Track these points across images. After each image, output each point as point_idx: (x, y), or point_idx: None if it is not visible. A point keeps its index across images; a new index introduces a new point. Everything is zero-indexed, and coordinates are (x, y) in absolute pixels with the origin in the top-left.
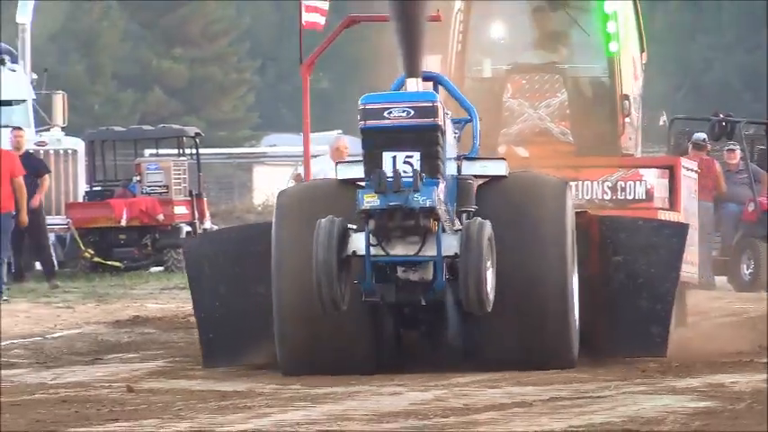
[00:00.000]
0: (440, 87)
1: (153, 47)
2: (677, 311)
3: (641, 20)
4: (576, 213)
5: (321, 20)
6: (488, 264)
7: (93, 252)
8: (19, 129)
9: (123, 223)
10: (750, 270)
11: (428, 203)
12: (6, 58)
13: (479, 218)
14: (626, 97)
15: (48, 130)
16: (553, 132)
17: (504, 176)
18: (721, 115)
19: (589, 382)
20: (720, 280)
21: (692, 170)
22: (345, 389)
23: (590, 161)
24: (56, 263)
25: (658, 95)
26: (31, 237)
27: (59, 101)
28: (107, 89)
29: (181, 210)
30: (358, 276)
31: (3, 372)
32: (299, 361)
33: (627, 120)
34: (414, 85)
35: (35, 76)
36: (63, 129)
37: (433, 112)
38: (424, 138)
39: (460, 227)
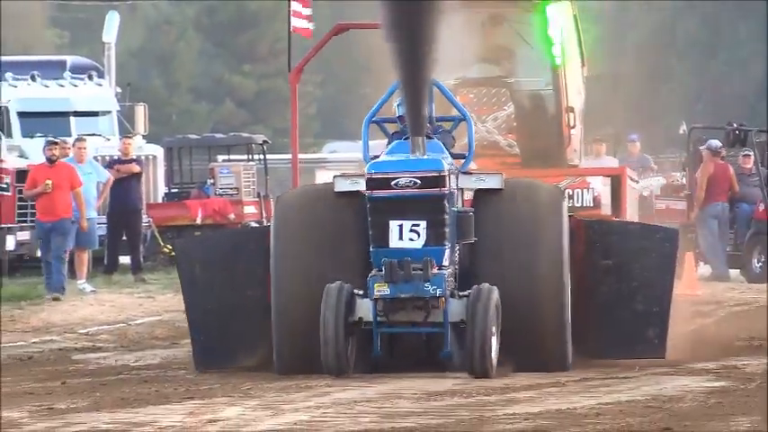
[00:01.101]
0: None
1: (225, 63)
2: None
3: (581, 35)
4: None
5: (309, 25)
6: (494, 330)
7: (171, 247)
8: (128, 137)
9: (198, 222)
10: (761, 263)
11: (438, 293)
12: (93, 73)
13: (487, 284)
14: (571, 110)
15: (131, 138)
16: (501, 144)
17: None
18: (735, 125)
19: (616, 365)
20: (734, 272)
21: (633, 179)
22: (396, 372)
23: (539, 171)
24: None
25: (679, 107)
26: (127, 236)
27: (141, 112)
28: (183, 101)
29: (250, 209)
30: (366, 344)
31: (90, 355)
32: (295, 363)
33: (572, 132)
34: (418, 144)
35: (119, 90)
36: (144, 137)
37: (439, 181)
38: (430, 207)
39: (466, 294)
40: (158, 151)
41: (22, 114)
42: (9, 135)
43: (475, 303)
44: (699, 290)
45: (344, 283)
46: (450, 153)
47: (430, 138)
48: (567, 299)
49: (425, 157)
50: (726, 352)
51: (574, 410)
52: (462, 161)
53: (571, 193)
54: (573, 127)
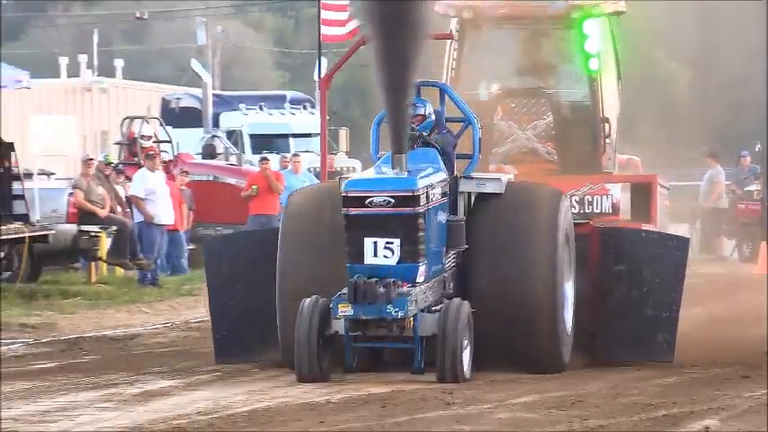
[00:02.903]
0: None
1: None
2: None
3: (618, 50)
4: (578, 224)
5: (342, 30)
6: (465, 343)
7: None
8: (332, 153)
9: None
10: None
11: (400, 315)
12: (307, 104)
13: (458, 298)
14: (607, 120)
15: (335, 154)
16: (539, 152)
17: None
18: None
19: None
20: None
21: (664, 187)
22: None
23: (569, 176)
24: None
25: (756, 130)
26: None
27: (344, 134)
28: None
29: None
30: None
31: None
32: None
33: (607, 141)
34: (400, 162)
35: (327, 117)
36: (346, 153)
37: (413, 201)
38: (404, 225)
39: (438, 308)
40: (357, 164)
41: (252, 136)
42: (242, 151)
43: (445, 318)
44: None
45: (321, 297)
46: (450, 154)
47: (429, 144)
48: (561, 300)
49: (403, 175)
50: None
51: (672, 363)
52: (468, 162)
53: (591, 200)
54: (608, 136)
